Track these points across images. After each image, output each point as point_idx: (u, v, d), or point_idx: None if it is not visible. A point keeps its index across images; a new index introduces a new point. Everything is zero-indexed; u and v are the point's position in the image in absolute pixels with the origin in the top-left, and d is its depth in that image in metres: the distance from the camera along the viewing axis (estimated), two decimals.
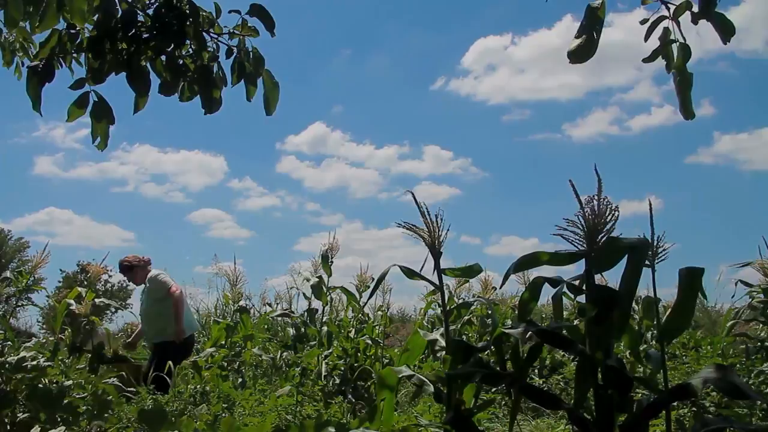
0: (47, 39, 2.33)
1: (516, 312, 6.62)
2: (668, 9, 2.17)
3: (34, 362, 3.19)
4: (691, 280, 1.75)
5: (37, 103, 2.40)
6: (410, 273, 1.89)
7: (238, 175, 36.11)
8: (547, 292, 1.90)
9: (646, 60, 2.25)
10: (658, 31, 2.21)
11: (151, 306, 5.28)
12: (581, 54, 2.03)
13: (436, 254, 1.90)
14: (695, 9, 2.08)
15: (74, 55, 2.40)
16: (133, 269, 5.40)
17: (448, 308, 2.02)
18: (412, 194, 1.89)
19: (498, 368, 1.80)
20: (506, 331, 1.72)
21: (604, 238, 1.69)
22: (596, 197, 1.67)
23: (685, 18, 2.14)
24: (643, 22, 2.22)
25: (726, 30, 2.07)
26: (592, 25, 2.02)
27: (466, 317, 6.24)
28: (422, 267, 1.90)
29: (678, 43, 2.20)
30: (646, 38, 2.21)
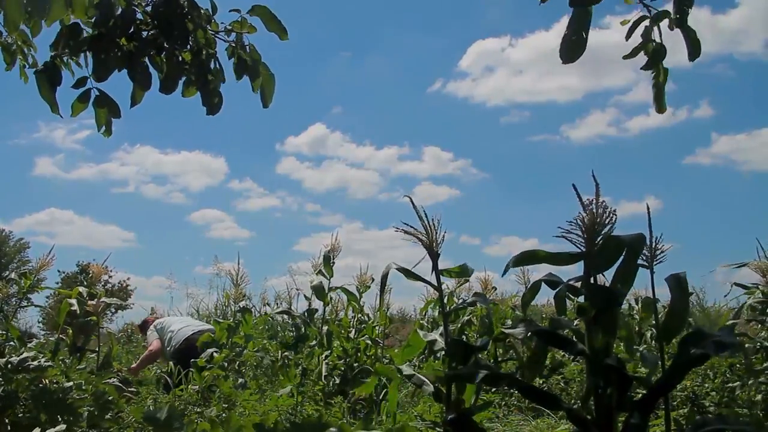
0: (55, 39, 2.37)
1: (516, 312, 6.65)
2: (648, 10, 2.23)
3: (35, 362, 3.20)
4: (678, 283, 1.81)
5: (55, 106, 2.47)
6: (408, 274, 1.92)
7: (239, 175, 36.17)
8: (549, 292, 1.91)
9: (626, 56, 2.33)
10: (641, 29, 2.27)
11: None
12: (572, 52, 2.06)
13: (434, 256, 1.93)
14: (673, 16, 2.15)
15: (81, 53, 2.44)
16: (143, 330, 6.27)
17: (447, 309, 2.03)
18: (410, 199, 1.93)
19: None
20: (506, 331, 1.73)
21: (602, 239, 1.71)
22: (594, 201, 1.70)
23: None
24: (624, 22, 2.29)
25: (693, 48, 2.14)
26: (580, 22, 2.05)
27: (466, 317, 6.24)
28: (415, 266, 1.94)
29: (654, 42, 2.26)
30: (627, 37, 2.31)
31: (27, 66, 2.79)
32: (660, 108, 2.33)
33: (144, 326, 6.28)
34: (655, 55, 2.27)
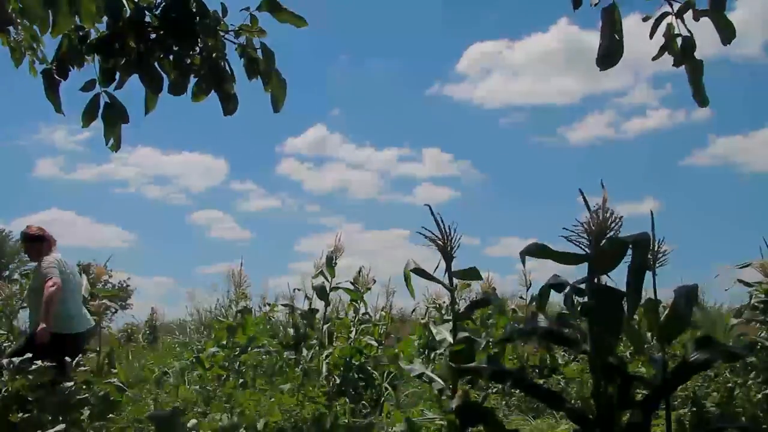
0: (61, 42, 2.35)
1: (516, 313, 6.67)
2: (671, 5, 2.19)
3: (36, 362, 3.19)
4: (686, 292, 1.87)
5: (59, 106, 2.45)
6: (423, 274, 1.96)
7: (239, 176, 36.11)
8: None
9: (655, 57, 2.26)
10: (662, 28, 2.23)
11: (34, 295, 4.51)
12: (610, 58, 2.05)
13: (449, 259, 1.98)
14: (698, 7, 2.12)
15: (87, 57, 2.42)
16: (43, 242, 4.57)
17: (459, 309, 2.08)
18: (429, 207, 1.99)
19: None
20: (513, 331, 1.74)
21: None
22: (602, 206, 1.73)
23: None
24: (646, 19, 2.22)
25: (726, 32, 2.10)
26: (611, 26, 2.04)
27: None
28: (435, 269, 1.99)
29: (682, 37, 2.21)
30: (651, 35, 2.22)
31: (37, 62, 2.78)
32: (702, 102, 2.25)
33: (40, 241, 4.55)
34: (685, 48, 2.21)
